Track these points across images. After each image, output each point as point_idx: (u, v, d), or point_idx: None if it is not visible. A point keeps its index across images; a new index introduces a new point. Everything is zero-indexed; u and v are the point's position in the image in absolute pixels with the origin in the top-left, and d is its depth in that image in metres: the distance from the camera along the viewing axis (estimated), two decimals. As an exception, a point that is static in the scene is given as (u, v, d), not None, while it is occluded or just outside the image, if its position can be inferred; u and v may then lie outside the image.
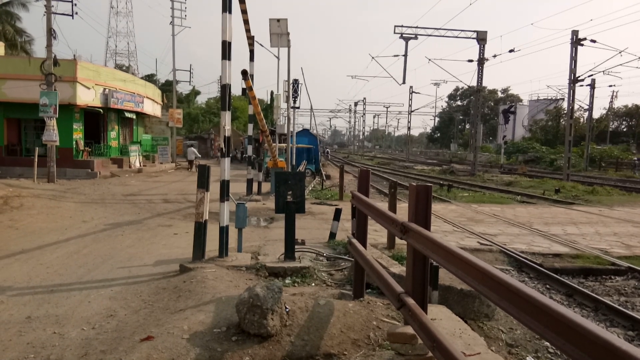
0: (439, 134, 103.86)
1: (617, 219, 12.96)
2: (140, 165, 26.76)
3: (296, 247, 6.99)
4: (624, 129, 72.82)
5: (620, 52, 29.74)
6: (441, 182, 23.53)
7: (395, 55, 37.59)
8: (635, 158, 39.36)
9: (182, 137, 47.28)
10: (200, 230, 6.56)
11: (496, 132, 76.64)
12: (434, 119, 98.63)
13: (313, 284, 5.94)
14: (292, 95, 21.84)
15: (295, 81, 22.24)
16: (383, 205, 11.38)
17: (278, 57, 21.49)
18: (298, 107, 23.19)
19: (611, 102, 61.92)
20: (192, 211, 7.95)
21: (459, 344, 3.62)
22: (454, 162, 47.13)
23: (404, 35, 34.03)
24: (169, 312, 4.61)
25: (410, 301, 3.50)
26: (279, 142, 25.23)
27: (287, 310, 4.10)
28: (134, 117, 29.37)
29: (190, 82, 48.54)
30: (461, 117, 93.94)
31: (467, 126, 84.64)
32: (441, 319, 4.20)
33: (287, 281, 6.00)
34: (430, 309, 4.43)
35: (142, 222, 10.67)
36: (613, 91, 61.37)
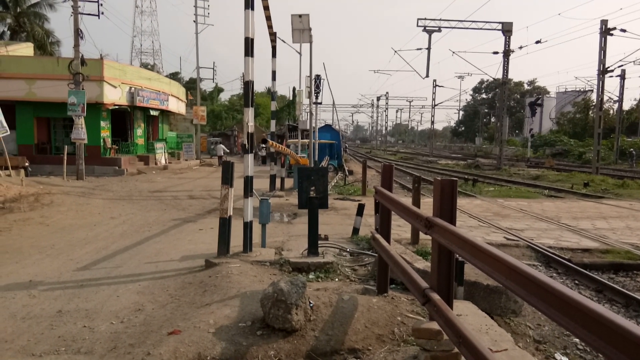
0: (463, 128, 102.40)
1: (649, 213, 12.57)
2: (165, 162, 27.20)
3: (319, 242, 7.01)
4: (657, 121, 70.39)
5: (652, 41, 28.70)
6: (466, 177, 23.20)
7: (418, 49, 37.17)
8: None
9: (206, 134, 47.86)
10: (224, 226, 6.63)
11: (522, 125, 75.08)
12: (458, 113, 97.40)
13: (337, 280, 5.94)
14: (314, 90, 21.81)
15: (317, 77, 22.22)
16: (406, 200, 11.30)
17: (300, 53, 21.52)
18: (320, 103, 23.14)
19: (643, 92, 59.83)
20: (216, 207, 8.06)
21: (486, 340, 3.57)
22: (479, 156, 46.41)
23: (427, 28, 33.60)
24: (195, 307, 4.68)
25: (436, 297, 3.47)
26: (301, 138, 25.25)
27: (311, 305, 4.12)
28: (159, 114, 29.84)
29: (213, 79, 49.19)
30: (486, 111, 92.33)
31: (493, 119, 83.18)
32: (467, 314, 4.15)
33: (310, 276, 6.02)
34: (455, 304, 4.38)
35: (168, 218, 10.85)
36: (645, 81, 59.35)
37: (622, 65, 35.70)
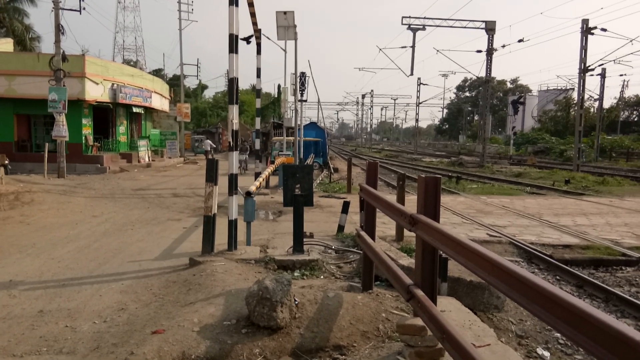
0: (447, 126, 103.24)
1: (628, 210, 12.83)
2: (149, 160, 26.91)
3: (305, 240, 7.01)
4: (635, 119, 71.90)
5: (631, 41, 29.30)
6: (450, 174, 23.42)
7: (403, 47, 37.35)
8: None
9: (190, 131, 47.46)
10: (209, 224, 6.59)
11: (505, 123, 76.01)
12: (442, 111, 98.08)
13: (322, 277, 5.95)
14: (300, 88, 21.80)
15: (303, 74, 22.21)
16: (391, 197, 11.36)
17: (285, 50, 21.47)
18: (305, 100, 23.17)
19: (622, 91, 61.24)
20: (201, 205, 7.99)
21: (469, 335, 3.61)
22: (463, 154, 46.84)
23: (411, 26, 33.78)
24: (179, 305, 4.65)
25: (420, 293, 3.50)
26: (287, 136, 25.21)
27: (296, 302, 4.12)
28: (142, 112, 29.50)
29: (197, 76, 48.75)
30: (470, 109, 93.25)
31: (476, 117, 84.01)
32: (450, 310, 4.19)
33: (296, 274, 6.02)
34: (439, 300, 4.42)
35: (151, 216, 10.74)
36: (624, 80, 60.65)
37: (602, 64, 36.34)
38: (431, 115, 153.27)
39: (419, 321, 3.46)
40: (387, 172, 26.15)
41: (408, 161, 38.92)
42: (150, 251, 7.38)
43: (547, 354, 4.34)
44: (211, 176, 6.63)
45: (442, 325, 2.97)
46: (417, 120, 61.11)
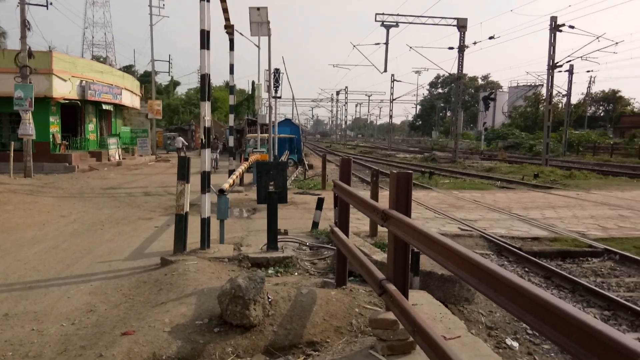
0: (420, 122, 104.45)
1: (594, 202, 13.23)
2: (119, 158, 26.36)
3: (279, 237, 6.99)
4: (601, 114, 74.15)
5: (597, 38, 30.22)
6: (423, 170, 23.71)
7: (376, 44, 37.59)
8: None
9: (162, 128, 46.69)
10: (181, 222, 6.50)
11: (477, 119, 77.36)
12: (416, 107, 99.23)
13: (296, 274, 5.95)
14: (274, 84, 21.70)
15: (277, 70, 22.12)
16: (365, 193, 11.42)
17: (259, 46, 21.31)
18: (279, 97, 23.08)
19: (589, 87, 63.03)
20: (173, 204, 7.88)
21: (440, 328, 3.66)
22: (436, 150, 47.48)
23: (385, 23, 33.99)
24: (150, 306, 4.57)
25: (392, 287, 3.53)
26: (261, 133, 25.06)
27: (270, 300, 4.10)
28: (112, 109, 28.85)
29: (169, 72, 47.90)
30: (442, 105, 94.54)
31: (448, 113, 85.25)
32: (422, 304, 4.25)
33: (270, 271, 6.00)
34: (411, 294, 4.47)
35: (122, 215, 10.53)
36: (591, 77, 62.34)
37: (570, 61, 37.22)
38: (405, 111, 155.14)
39: (391, 315, 3.49)
40: (361, 169, 26.29)
41: (382, 157, 39.22)
42: (120, 251, 7.24)
43: (515, 344, 4.45)
44: (183, 174, 6.53)
45: (413, 319, 3.00)
46: (391, 116, 61.61)
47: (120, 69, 42.62)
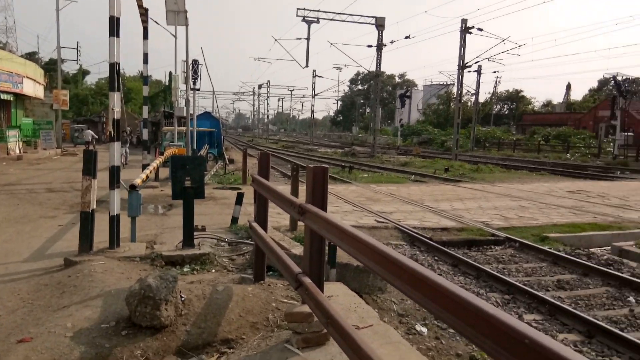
0: (341, 117, 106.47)
1: (497, 194, 14.26)
2: (20, 152, 24.20)
3: (196, 233, 6.79)
4: (506, 112, 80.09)
5: (503, 41, 32.45)
6: (343, 164, 24.21)
7: (298, 39, 37.65)
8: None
9: (70, 120, 43.50)
10: (86, 220, 6.09)
11: (394, 116, 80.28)
12: (337, 103, 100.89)
13: (213, 270, 5.82)
14: (192, 76, 21.05)
15: (195, 62, 21.45)
16: (286, 187, 11.44)
17: (175, 36, 20.47)
18: (198, 89, 22.42)
19: (495, 87, 67.64)
20: (79, 200, 7.38)
21: (354, 318, 3.76)
22: (356, 145, 48.67)
23: (306, 18, 34.12)
24: (50, 310, 4.24)
25: (307, 281, 3.56)
26: (178, 126, 24.17)
27: (183, 299, 3.97)
28: (12, 98, 26.36)
29: (77, 60, 44.78)
30: (362, 101, 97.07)
31: (368, 110, 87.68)
32: (338, 295, 4.33)
33: (185, 269, 5.81)
34: (328, 286, 4.54)
35: (21, 214, 9.67)
36: (497, 77, 66.86)
37: (478, 62, 39.74)
38: (327, 106, 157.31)
39: (306, 308, 3.52)
40: (283, 163, 26.29)
41: (304, 152, 39.51)
42: (18, 252, 6.64)
43: (424, 329, 4.68)
44: (89, 169, 6.12)
45: (327, 311, 3.05)
46: (312, 111, 62.19)
47: (22, 56, 39.04)
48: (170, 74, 50.35)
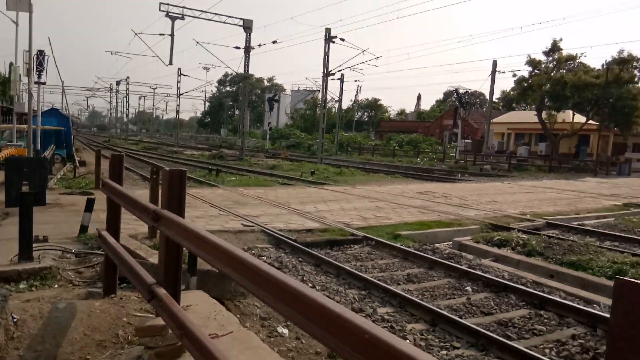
0: (209, 119, 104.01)
1: (357, 196, 15.13)
2: None
3: (37, 245, 6.06)
4: (366, 119, 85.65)
5: (363, 52, 34.63)
6: (210, 167, 23.64)
7: (161, 34, 35.94)
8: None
9: None
10: None
11: (263, 119, 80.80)
12: (204, 104, 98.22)
13: (56, 286, 5.23)
14: (36, 68, 18.91)
15: (41, 52, 19.28)
16: (145, 193, 10.78)
17: (17, 23, 18.12)
18: (44, 83, 20.21)
19: (356, 95, 72.02)
20: None
21: (213, 326, 3.66)
22: (224, 147, 47.86)
23: (170, 14, 32.70)
24: None
25: (162, 291, 3.39)
26: (19, 123, 21.41)
27: (15, 320, 3.49)
28: None
29: None
30: (231, 103, 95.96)
31: (237, 112, 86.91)
32: (197, 304, 4.19)
33: (21, 286, 5.13)
34: (187, 295, 4.37)
35: None
36: (358, 86, 71.11)
37: (341, 70, 41.82)
38: (193, 107, 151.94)
39: (160, 321, 3.34)
40: (145, 166, 24.79)
41: (168, 154, 37.77)
42: None
43: (286, 331, 4.75)
44: None
45: (182, 322, 2.93)
46: (177, 111, 59.74)
47: None
48: (10, 65, 44.28)
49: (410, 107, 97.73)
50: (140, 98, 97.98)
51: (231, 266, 2.56)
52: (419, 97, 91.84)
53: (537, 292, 6.50)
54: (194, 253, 3.42)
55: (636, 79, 36.89)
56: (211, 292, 4.83)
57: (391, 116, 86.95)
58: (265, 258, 7.66)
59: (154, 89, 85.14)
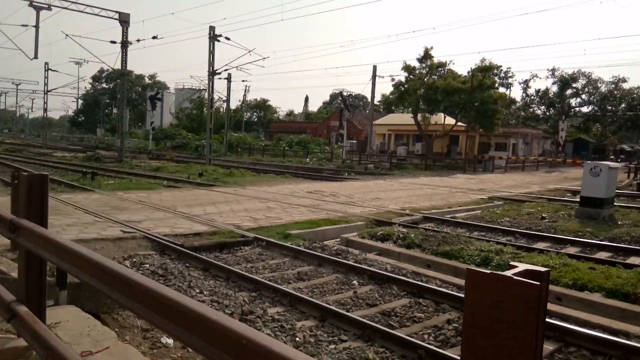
0: (83, 118, 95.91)
1: (248, 197, 14.98)
2: None
3: None
4: (255, 119, 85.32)
5: (249, 52, 34.37)
6: (84, 170, 21.80)
7: (24, 25, 32.43)
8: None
9: None
10: None
11: (145, 118, 76.45)
12: (77, 101, 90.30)
13: None
14: None
15: None
16: (6, 200, 9.59)
17: None
18: None
19: (244, 95, 71.39)
20: None
21: (86, 343, 3.36)
22: (101, 149, 44.38)
23: (34, 3, 29.59)
24: None
25: (23, 309, 3.05)
26: None
27: None
28: None
29: None
30: (108, 101, 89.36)
31: (115, 110, 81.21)
32: (68, 320, 3.82)
33: None
34: (55, 311, 3.98)
35: None
36: (246, 86, 70.54)
37: (228, 69, 41.07)
38: (64, 105, 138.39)
39: (22, 342, 3.00)
40: (7, 170, 22.08)
41: (35, 156, 34.13)
42: None
43: (170, 341, 4.53)
44: None
45: (47, 342, 2.66)
46: (45, 110, 54.14)
47: None
48: None
49: (298, 108, 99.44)
50: (0, 95, 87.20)
51: (99, 278, 2.40)
52: (306, 99, 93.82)
53: (416, 281, 6.96)
54: (57, 265, 3.12)
55: (496, 85, 41.55)
56: (85, 306, 4.44)
57: (280, 117, 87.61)
58: (148, 266, 7.23)
59: (17, 85, 76.39)
